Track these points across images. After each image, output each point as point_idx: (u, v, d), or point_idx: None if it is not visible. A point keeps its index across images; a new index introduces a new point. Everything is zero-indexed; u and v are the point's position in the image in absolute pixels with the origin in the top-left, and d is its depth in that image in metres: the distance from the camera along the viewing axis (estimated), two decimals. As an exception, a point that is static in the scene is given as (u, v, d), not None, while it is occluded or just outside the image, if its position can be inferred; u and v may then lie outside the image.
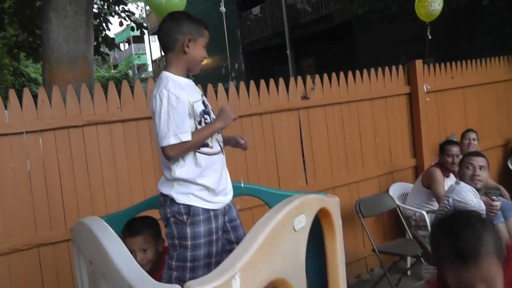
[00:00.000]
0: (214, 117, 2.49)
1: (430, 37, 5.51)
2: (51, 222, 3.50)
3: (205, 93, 3.96)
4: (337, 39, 15.30)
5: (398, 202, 5.02)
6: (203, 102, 2.44)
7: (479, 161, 3.81)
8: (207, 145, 2.39)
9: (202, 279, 1.49)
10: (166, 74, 2.40)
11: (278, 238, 1.75)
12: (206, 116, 2.39)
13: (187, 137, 2.25)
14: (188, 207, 2.31)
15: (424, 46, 11.41)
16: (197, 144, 2.32)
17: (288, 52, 15.83)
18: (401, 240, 4.85)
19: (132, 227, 2.62)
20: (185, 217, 2.29)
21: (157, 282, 1.56)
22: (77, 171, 3.58)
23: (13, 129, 3.36)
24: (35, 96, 3.48)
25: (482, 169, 3.79)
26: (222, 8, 3.70)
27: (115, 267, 1.62)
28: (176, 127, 2.23)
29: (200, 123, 2.37)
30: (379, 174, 5.26)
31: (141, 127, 3.80)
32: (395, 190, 5.25)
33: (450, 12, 10.54)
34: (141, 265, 2.29)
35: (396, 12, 10.02)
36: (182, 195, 2.31)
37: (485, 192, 4.66)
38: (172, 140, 2.24)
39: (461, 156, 4.45)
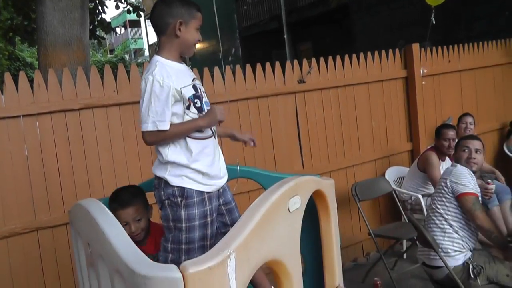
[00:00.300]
0: (207, 100, 2.49)
1: (434, 22, 5.48)
2: (50, 206, 3.52)
3: (201, 77, 3.98)
4: (335, 23, 15.21)
5: (394, 186, 5.04)
6: (194, 86, 2.42)
7: (475, 144, 3.82)
8: (198, 130, 2.40)
9: (197, 259, 1.51)
10: (156, 58, 2.40)
11: (273, 219, 1.77)
12: (196, 100, 2.38)
13: (164, 126, 2.26)
14: (182, 189, 2.32)
15: (422, 29, 11.37)
16: (176, 136, 2.33)
17: (285, 36, 15.77)
18: (397, 224, 4.88)
19: (121, 199, 2.61)
20: (179, 199, 2.31)
21: (154, 262, 1.58)
22: (74, 155, 3.59)
23: (10, 112, 3.36)
24: (31, 81, 3.48)
25: (478, 152, 3.80)
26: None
27: (113, 248, 1.64)
28: (156, 115, 2.25)
29: (188, 107, 2.36)
30: (375, 158, 5.28)
31: (137, 111, 3.74)
32: (391, 174, 5.28)
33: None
34: (135, 235, 2.37)
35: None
36: (176, 178, 2.33)
37: (480, 175, 4.70)
38: (150, 127, 2.27)
39: (457, 140, 4.47)
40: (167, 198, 2.34)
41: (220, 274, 1.52)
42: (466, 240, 3.45)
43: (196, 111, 2.40)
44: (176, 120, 2.34)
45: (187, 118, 2.36)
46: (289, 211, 1.88)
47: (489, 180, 4.36)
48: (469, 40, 6.72)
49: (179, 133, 2.33)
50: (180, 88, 2.32)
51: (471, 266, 3.32)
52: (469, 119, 5.54)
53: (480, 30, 10.09)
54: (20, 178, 3.42)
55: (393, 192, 4.89)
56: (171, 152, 2.34)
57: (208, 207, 2.39)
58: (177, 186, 2.33)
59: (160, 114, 2.25)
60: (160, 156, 2.38)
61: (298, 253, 1.98)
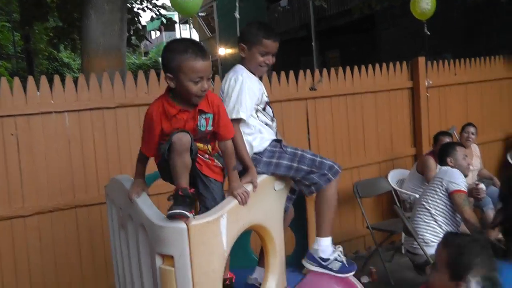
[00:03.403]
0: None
1: (428, 33, 5.93)
2: (87, 188, 4.15)
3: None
4: (361, 32, 15.68)
5: (396, 187, 5.53)
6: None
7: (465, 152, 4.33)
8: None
9: (199, 216, 2.09)
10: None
11: (260, 193, 2.34)
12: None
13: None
14: None
15: (442, 41, 11.69)
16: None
17: (313, 44, 16.28)
18: (395, 220, 5.36)
19: (201, 50, 2.27)
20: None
21: (166, 218, 2.13)
22: (109, 146, 4.22)
23: (57, 108, 4.02)
24: (63, 80, 4.11)
25: (464, 158, 4.31)
26: (237, 15, 4.20)
27: (139, 207, 2.23)
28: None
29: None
30: (379, 161, 5.78)
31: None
32: (394, 175, 5.76)
33: (468, 9, 10.89)
34: (202, 94, 2.28)
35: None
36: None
37: (478, 180, 5.17)
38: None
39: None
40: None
41: (214, 228, 2.09)
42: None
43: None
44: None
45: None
46: (275, 190, 2.45)
47: (477, 182, 4.82)
48: (488, 52, 7.08)
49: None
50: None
51: (447, 253, 3.81)
52: (472, 129, 5.92)
53: (499, 43, 10.37)
54: (63, 163, 4.06)
55: (393, 191, 5.38)
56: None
57: None
58: None
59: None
60: None
61: (281, 223, 2.54)
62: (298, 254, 3.12)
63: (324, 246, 2.73)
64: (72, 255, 4.11)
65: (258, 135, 2.63)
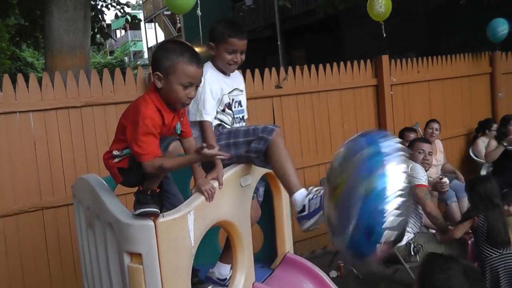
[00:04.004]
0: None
1: (385, 35, 6.07)
2: (54, 189, 4.11)
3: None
4: (326, 32, 15.85)
5: (362, 182, 5.61)
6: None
7: (428, 147, 4.44)
8: None
9: (167, 213, 2.11)
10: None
11: (226, 190, 2.36)
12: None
13: None
14: None
15: (406, 40, 11.95)
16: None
17: (279, 43, 16.38)
18: (361, 215, 5.46)
19: (198, 56, 2.27)
20: None
21: (134, 214, 2.15)
22: (75, 146, 4.18)
23: (21, 107, 3.95)
24: (27, 81, 4.05)
25: (430, 154, 4.43)
26: (198, 12, 4.23)
27: (106, 206, 2.23)
28: None
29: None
30: (346, 157, 5.85)
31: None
32: (360, 171, 5.84)
33: (430, 10, 11.16)
34: (188, 102, 2.26)
35: (380, 8, 10.59)
36: None
37: (442, 175, 5.31)
38: None
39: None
40: None
41: (181, 225, 2.11)
42: (411, 226, 4.05)
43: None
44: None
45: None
46: (241, 186, 2.48)
47: (441, 176, 4.95)
48: (450, 51, 7.28)
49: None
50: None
51: (412, 245, 3.92)
52: (435, 125, 6.09)
53: (460, 42, 10.67)
54: (29, 164, 4.00)
55: (359, 187, 5.46)
56: None
57: None
58: None
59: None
60: None
61: (248, 219, 2.57)
62: (267, 251, 3.17)
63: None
64: (39, 258, 4.06)
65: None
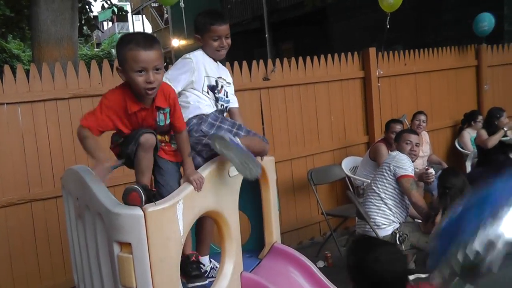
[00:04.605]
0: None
1: (388, 26, 6.09)
2: (42, 181, 4.11)
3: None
4: (314, 25, 15.85)
5: (349, 174, 5.68)
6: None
7: (415, 138, 4.50)
8: None
9: (157, 202, 2.13)
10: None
11: (214, 180, 2.39)
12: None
13: None
14: None
15: (393, 33, 12.02)
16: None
17: (266, 36, 16.35)
18: (349, 206, 5.50)
19: (145, 38, 2.23)
20: None
21: (124, 204, 2.17)
22: (63, 138, 4.18)
23: (9, 99, 3.94)
24: (14, 73, 4.03)
25: (417, 145, 4.49)
26: (181, 4, 4.23)
27: (95, 196, 2.24)
28: None
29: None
30: (333, 149, 5.92)
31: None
32: (348, 163, 5.91)
33: (418, 3, 11.20)
34: (152, 87, 2.22)
35: (367, 1, 10.63)
36: None
37: (428, 165, 5.37)
38: None
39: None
40: None
41: (170, 214, 2.14)
42: (397, 215, 4.11)
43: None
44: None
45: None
46: (229, 176, 2.50)
47: (427, 166, 5.02)
48: (437, 44, 7.34)
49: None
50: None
51: (397, 235, 3.98)
52: (422, 117, 6.15)
53: (447, 35, 10.75)
54: (17, 156, 4.00)
55: (346, 178, 5.53)
56: None
57: None
58: None
59: None
60: None
61: (236, 209, 2.60)
62: (254, 241, 3.21)
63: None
64: (28, 250, 4.06)
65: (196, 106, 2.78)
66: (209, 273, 2.96)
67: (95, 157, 2.19)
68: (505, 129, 6.01)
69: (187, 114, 2.71)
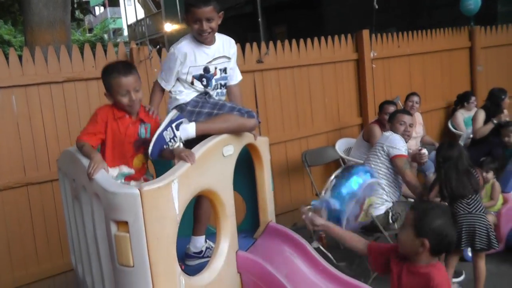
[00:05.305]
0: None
1: (377, 7, 6.08)
2: (38, 165, 4.12)
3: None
4: (308, 8, 15.80)
5: (343, 155, 5.71)
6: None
7: (409, 119, 4.53)
8: None
9: (151, 181, 2.16)
10: None
11: (209, 159, 2.42)
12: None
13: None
14: None
15: (387, 16, 11.96)
16: None
17: (259, 19, 16.27)
18: (343, 187, 5.56)
19: (121, 68, 2.63)
20: None
21: (121, 184, 2.21)
22: (58, 121, 4.19)
23: (2, 83, 3.94)
24: (7, 58, 4.02)
25: (411, 126, 4.52)
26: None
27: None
28: None
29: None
30: (327, 131, 5.96)
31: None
32: (342, 144, 5.93)
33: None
34: (134, 104, 2.61)
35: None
36: None
37: (421, 146, 5.42)
38: None
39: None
40: None
41: (166, 193, 2.17)
42: (390, 195, 4.16)
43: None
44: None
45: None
46: (223, 156, 2.53)
47: (420, 147, 5.06)
48: (430, 27, 7.34)
49: None
50: None
51: (390, 214, 4.03)
52: (415, 98, 6.17)
53: (440, 18, 10.74)
54: (12, 140, 4.01)
55: (340, 160, 5.57)
56: None
57: None
58: None
59: None
60: None
61: (231, 188, 2.63)
62: (249, 221, 3.25)
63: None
64: (25, 234, 4.10)
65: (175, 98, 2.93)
66: (204, 253, 3.00)
67: (92, 156, 2.47)
68: (495, 121, 6.02)
69: (169, 105, 2.92)
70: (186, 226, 2.91)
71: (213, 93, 2.94)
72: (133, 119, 2.67)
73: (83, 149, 2.54)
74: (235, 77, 3.09)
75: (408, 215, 2.46)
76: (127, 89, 2.58)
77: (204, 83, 2.89)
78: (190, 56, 2.83)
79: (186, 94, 2.87)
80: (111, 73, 2.61)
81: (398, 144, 4.21)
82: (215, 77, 2.92)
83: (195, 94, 2.89)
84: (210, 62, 2.88)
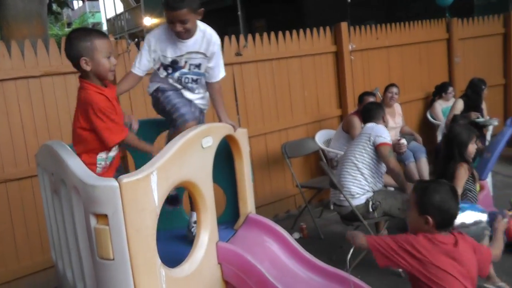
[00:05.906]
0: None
1: (349, 1, 6.13)
2: (16, 161, 4.08)
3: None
4: (287, 2, 15.83)
5: (323, 146, 5.76)
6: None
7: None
8: None
9: (130, 174, 2.16)
10: None
11: (187, 151, 2.43)
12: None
13: None
14: None
15: (364, 9, 12.06)
16: None
17: (239, 13, 16.25)
18: (323, 177, 5.62)
19: (102, 32, 2.67)
20: None
21: (99, 176, 2.21)
22: (37, 116, 4.15)
23: (-22, 78, 3.89)
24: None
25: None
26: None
27: (70, 170, 2.26)
28: None
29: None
30: (307, 122, 5.99)
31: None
32: (321, 136, 5.98)
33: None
34: (113, 69, 2.54)
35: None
36: None
37: (400, 136, 5.49)
38: None
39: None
40: None
41: (145, 185, 2.17)
42: (372, 185, 4.22)
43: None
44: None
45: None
46: (202, 147, 2.55)
47: (399, 137, 5.13)
48: (408, 19, 7.41)
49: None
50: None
51: (370, 203, 4.09)
52: (395, 90, 6.22)
53: (417, 10, 10.86)
54: (-11, 136, 3.96)
55: (320, 151, 5.62)
56: None
57: None
58: None
59: None
60: None
61: (210, 180, 2.65)
62: (229, 213, 3.27)
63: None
64: (5, 231, 4.06)
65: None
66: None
67: (142, 147, 2.65)
68: (474, 118, 6.16)
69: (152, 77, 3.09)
70: (165, 220, 2.93)
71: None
72: (107, 90, 2.55)
73: (128, 139, 2.59)
74: (216, 75, 3.09)
75: (410, 196, 2.59)
76: (111, 51, 2.52)
77: (170, 71, 2.96)
78: (161, 45, 2.90)
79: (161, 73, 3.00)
80: (93, 34, 2.48)
81: (383, 133, 4.32)
82: (182, 70, 2.97)
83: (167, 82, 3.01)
84: (181, 56, 2.93)
